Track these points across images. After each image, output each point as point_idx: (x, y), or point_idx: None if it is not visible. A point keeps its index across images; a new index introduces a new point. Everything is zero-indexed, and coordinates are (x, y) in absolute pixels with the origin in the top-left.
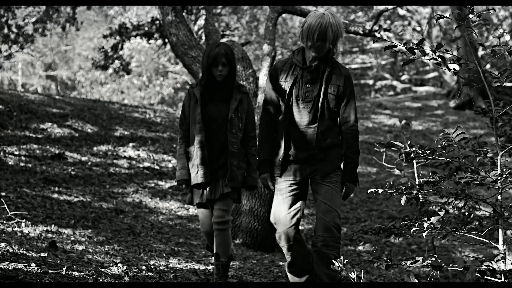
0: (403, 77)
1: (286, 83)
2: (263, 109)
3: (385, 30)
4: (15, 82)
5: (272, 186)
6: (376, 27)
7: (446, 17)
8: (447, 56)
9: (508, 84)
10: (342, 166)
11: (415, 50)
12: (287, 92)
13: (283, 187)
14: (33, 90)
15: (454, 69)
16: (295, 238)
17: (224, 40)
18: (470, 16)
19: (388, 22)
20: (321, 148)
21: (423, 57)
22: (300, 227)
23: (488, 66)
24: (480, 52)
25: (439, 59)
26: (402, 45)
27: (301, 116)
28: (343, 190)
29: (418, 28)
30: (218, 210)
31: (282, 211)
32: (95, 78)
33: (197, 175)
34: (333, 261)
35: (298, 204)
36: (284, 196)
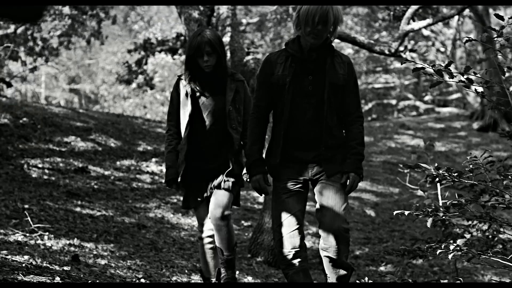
0: (426, 98)
1: (283, 77)
2: (254, 106)
3: (410, 50)
4: (39, 94)
5: (266, 188)
6: (401, 48)
7: (474, 40)
8: (474, 78)
9: None
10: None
11: (442, 72)
12: (287, 86)
13: (284, 186)
14: (56, 103)
15: (482, 92)
16: (301, 245)
17: (249, 57)
18: (498, 39)
19: (412, 42)
20: (329, 146)
21: (451, 80)
22: None
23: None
24: (506, 74)
25: (467, 82)
26: (431, 67)
27: (304, 111)
28: (348, 183)
29: (442, 49)
30: (216, 203)
31: (285, 211)
32: (118, 93)
33: (183, 174)
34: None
35: (302, 205)
36: (287, 195)
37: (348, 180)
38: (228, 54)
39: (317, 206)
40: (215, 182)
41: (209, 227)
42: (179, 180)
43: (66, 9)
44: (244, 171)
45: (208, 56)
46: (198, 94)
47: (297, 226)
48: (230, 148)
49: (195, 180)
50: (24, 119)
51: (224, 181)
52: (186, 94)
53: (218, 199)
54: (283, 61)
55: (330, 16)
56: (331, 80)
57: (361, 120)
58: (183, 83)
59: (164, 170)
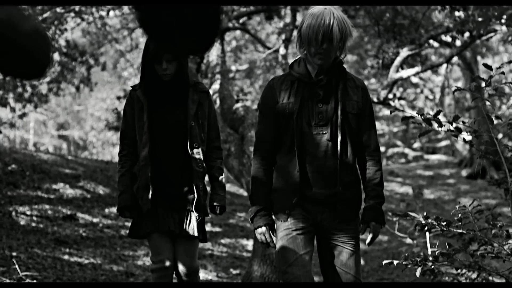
0: (415, 145)
1: (290, 105)
2: (256, 142)
3: (399, 98)
4: (27, 140)
5: (273, 241)
6: (390, 95)
7: (463, 89)
8: (463, 127)
9: None
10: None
11: (431, 121)
12: (295, 115)
13: (293, 226)
14: (45, 149)
15: (470, 141)
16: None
17: (238, 105)
18: (487, 88)
19: (401, 89)
20: (345, 184)
21: (440, 128)
22: None
23: (500, 135)
24: (495, 122)
25: (456, 131)
26: (420, 116)
27: (316, 144)
28: (369, 233)
29: (431, 96)
30: (184, 257)
31: (297, 249)
32: (107, 139)
33: (142, 201)
34: None
35: (311, 247)
36: (299, 232)
37: (369, 230)
38: (218, 102)
39: (324, 262)
40: (185, 226)
41: (168, 256)
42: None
43: (56, 56)
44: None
45: (168, 63)
46: (155, 106)
47: (309, 268)
48: (194, 171)
49: (156, 205)
50: (13, 166)
51: (189, 223)
52: (142, 108)
53: (188, 249)
54: (288, 87)
55: (336, 32)
56: (345, 108)
57: (379, 156)
58: (137, 94)
59: (118, 195)
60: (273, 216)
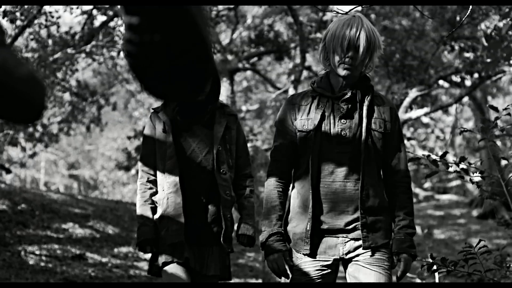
0: (426, 185)
1: (309, 121)
2: (271, 162)
3: (410, 139)
4: (38, 180)
5: (286, 270)
6: None
7: (470, 131)
8: (471, 168)
9: None
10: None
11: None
12: (313, 132)
13: (310, 270)
14: (55, 189)
15: (477, 182)
16: None
17: (248, 145)
18: (494, 129)
19: (412, 129)
20: (368, 209)
21: (447, 170)
22: None
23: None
24: (503, 162)
25: (462, 172)
26: (426, 158)
27: (337, 164)
28: (400, 267)
29: (442, 136)
30: None
31: None
32: (117, 179)
33: (167, 233)
34: None
35: None
36: (315, 275)
37: (400, 264)
38: None
39: None
40: (206, 263)
41: None
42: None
43: (67, 96)
44: (248, 231)
45: None
46: (179, 129)
47: None
48: (221, 200)
49: (179, 238)
50: (23, 205)
51: (211, 260)
52: (164, 129)
53: None
54: (309, 103)
55: (363, 40)
56: (370, 125)
57: (409, 182)
58: (160, 116)
59: (137, 228)
60: (287, 245)
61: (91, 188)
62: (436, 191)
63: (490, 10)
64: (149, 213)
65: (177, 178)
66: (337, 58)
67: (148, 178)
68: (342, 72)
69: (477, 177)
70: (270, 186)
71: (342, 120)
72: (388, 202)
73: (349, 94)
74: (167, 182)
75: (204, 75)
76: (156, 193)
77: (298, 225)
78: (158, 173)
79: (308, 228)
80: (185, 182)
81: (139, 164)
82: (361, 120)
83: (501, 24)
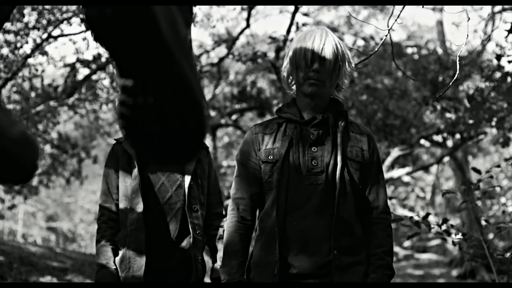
0: (406, 244)
1: (275, 150)
2: (232, 201)
3: (390, 198)
4: (15, 232)
5: None
6: None
7: (452, 192)
8: (452, 230)
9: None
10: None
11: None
12: (279, 163)
13: None
14: (33, 241)
15: (459, 244)
16: None
17: (228, 201)
18: (476, 191)
19: (392, 187)
20: (342, 249)
21: (429, 231)
22: None
23: (491, 235)
24: (483, 222)
25: (444, 233)
26: (408, 219)
27: (307, 197)
28: None
29: (422, 195)
30: None
31: None
32: (95, 232)
33: (128, 274)
34: None
35: None
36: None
37: None
38: None
39: None
40: None
41: None
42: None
43: (48, 148)
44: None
45: None
46: (145, 161)
47: None
48: (192, 239)
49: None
50: (0, 257)
51: None
52: (128, 163)
53: None
54: (274, 130)
55: (328, 50)
56: (346, 153)
57: (389, 219)
58: (124, 147)
59: (96, 270)
60: None
61: (69, 240)
62: (416, 250)
63: (472, 71)
64: (110, 255)
65: (141, 214)
66: (301, 74)
67: (109, 217)
68: (308, 89)
69: (458, 239)
70: (230, 229)
71: (313, 148)
72: (365, 242)
73: (319, 117)
74: (129, 219)
75: (198, 137)
76: (118, 232)
77: (263, 271)
78: (121, 211)
79: (275, 272)
80: (150, 219)
81: (100, 201)
82: (335, 148)
83: (483, 85)
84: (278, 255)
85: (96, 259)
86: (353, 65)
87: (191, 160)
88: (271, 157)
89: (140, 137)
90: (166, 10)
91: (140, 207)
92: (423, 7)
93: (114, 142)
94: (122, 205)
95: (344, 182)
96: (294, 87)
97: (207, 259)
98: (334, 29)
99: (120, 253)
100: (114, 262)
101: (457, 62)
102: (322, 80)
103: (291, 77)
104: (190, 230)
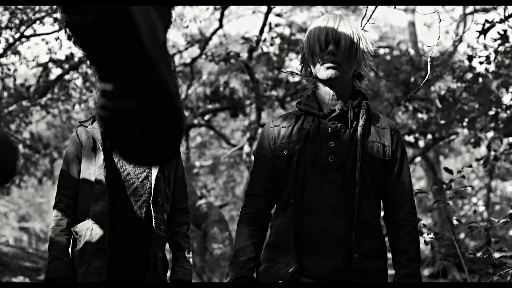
0: None
1: (291, 145)
2: (246, 197)
3: None
4: None
5: None
6: None
7: (425, 192)
8: (424, 229)
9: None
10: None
11: None
12: (295, 158)
13: None
14: (5, 241)
15: (432, 244)
16: None
17: (201, 201)
18: (448, 191)
19: None
20: (363, 252)
21: None
22: None
23: (462, 235)
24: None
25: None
26: (382, 219)
27: (323, 196)
28: None
29: None
30: None
31: None
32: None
33: (88, 270)
34: None
35: None
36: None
37: None
38: None
39: None
40: None
41: None
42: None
43: (20, 148)
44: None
45: None
46: (111, 148)
47: None
48: (154, 234)
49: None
50: None
51: None
52: (93, 149)
53: None
54: (292, 124)
55: (343, 30)
56: (366, 149)
57: (415, 221)
58: (89, 130)
59: (48, 262)
60: None
61: (41, 241)
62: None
63: (444, 72)
64: (64, 246)
65: (105, 207)
66: (316, 60)
67: (67, 204)
68: (325, 73)
69: (430, 238)
70: (242, 225)
71: (330, 143)
72: (385, 247)
73: (338, 110)
74: (92, 210)
75: (176, 140)
76: (75, 221)
77: (271, 272)
78: (81, 199)
79: (290, 271)
80: (114, 212)
81: (57, 185)
82: (355, 143)
83: (454, 86)
84: (296, 257)
85: (49, 248)
86: (372, 50)
87: (169, 162)
88: (286, 151)
89: (120, 139)
90: (146, 15)
91: (105, 199)
92: (395, 7)
93: (78, 125)
94: (83, 193)
95: (365, 181)
96: (312, 77)
97: (168, 257)
98: (306, 30)
99: (79, 245)
100: (69, 254)
101: (429, 63)
102: (339, 63)
103: (309, 68)
104: (154, 225)
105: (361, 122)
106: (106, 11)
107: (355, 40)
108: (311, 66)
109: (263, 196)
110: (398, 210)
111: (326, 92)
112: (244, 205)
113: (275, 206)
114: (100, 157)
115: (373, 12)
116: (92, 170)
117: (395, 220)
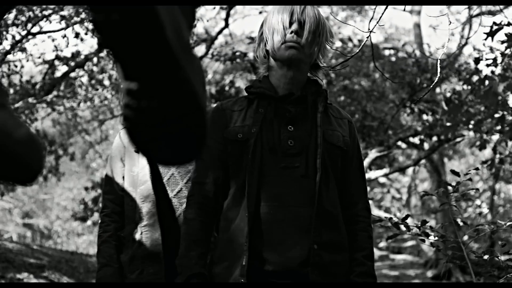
0: (381, 244)
1: (245, 128)
2: (192, 186)
3: None
4: None
5: None
6: None
7: (431, 195)
8: (430, 231)
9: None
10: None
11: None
12: (251, 141)
13: None
14: (9, 237)
15: (438, 246)
16: None
17: None
18: (453, 194)
19: (368, 188)
20: (324, 244)
21: (408, 233)
22: None
23: (466, 237)
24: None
25: (423, 235)
26: (388, 220)
27: (283, 183)
28: None
29: (398, 196)
30: None
31: None
32: (72, 229)
33: (141, 276)
34: None
35: None
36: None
37: None
38: None
39: None
40: None
41: None
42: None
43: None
44: None
45: None
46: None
47: None
48: None
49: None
50: None
51: None
52: (137, 150)
53: None
54: (245, 107)
55: (310, 12)
56: (327, 137)
57: (370, 218)
58: None
59: (98, 269)
60: None
61: (45, 237)
62: (391, 251)
63: (450, 74)
64: (113, 252)
65: (154, 208)
66: (277, 38)
67: (113, 209)
68: (285, 52)
69: (436, 240)
70: (190, 215)
71: (288, 127)
72: (346, 239)
73: (298, 93)
74: (140, 213)
75: (200, 141)
76: (122, 227)
77: (230, 265)
78: (126, 202)
79: (244, 264)
80: (161, 213)
81: (102, 191)
82: (315, 129)
83: (460, 88)
84: (248, 244)
85: (97, 256)
86: (333, 41)
87: (191, 163)
88: (241, 135)
89: (144, 139)
90: (171, 15)
91: (151, 200)
92: (404, 9)
93: (121, 128)
94: (128, 196)
95: (326, 168)
96: (267, 58)
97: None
98: None
99: (128, 250)
100: (118, 259)
101: (438, 65)
102: (301, 44)
103: (266, 48)
104: None
105: (320, 109)
106: (132, 10)
107: (320, 25)
108: (270, 44)
109: (212, 184)
110: (353, 205)
111: (282, 75)
112: (191, 193)
113: (227, 198)
114: (144, 158)
115: (382, 14)
116: (136, 171)
117: (349, 215)
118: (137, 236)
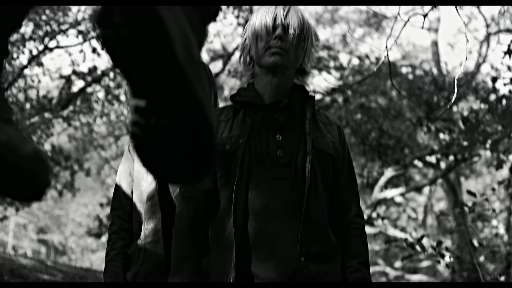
0: (397, 264)
1: (233, 139)
2: (183, 200)
3: (383, 218)
4: (5, 243)
5: None
6: (374, 215)
7: (447, 214)
8: (445, 252)
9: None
10: None
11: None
12: (239, 152)
13: None
14: (23, 253)
15: (453, 267)
16: None
17: None
18: (469, 214)
19: (384, 207)
20: (310, 255)
21: (423, 253)
22: None
23: (482, 258)
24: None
25: (438, 256)
26: (403, 241)
27: (273, 195)
28: None
29: (413, 215)
30: None
31: None
32: (86, 245)
33: None
34: None
35: None
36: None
37: None
38: None
39: None
40: None
41: None
42: None
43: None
44: None
45: None
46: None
47: None
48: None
49: None
50: None
51: None
52: None
53: None
54: (231, 117)
55: (294, 17)
56: (316, 144)
57: (363, 224)
58: None
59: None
60: None
61: (59, 253)
62: (407, 271)
63: (467, 93)
64: (118, 270)
65: (159, 225)
66: (261, 44)
67: (120, 225)
68: (269, 59)
69: (452, 261)
70: (179, 232)
71: (277, 136)
72: (339, 249)
73: (285, 101)
74: (145, 230)
75: (208, 158)
76: (130, 243)
77: (218, 281)
78: (134, 218)
79: (231, 281)
80: (165, 231)
81: (111, 207)
82: (304, 136)
83: (477, 107)
84: (235, 260)
85: (104, 274)
86: (317, 45)
87: (201, 181)
88: (228, 146)
89: (152, 157)
90: (181, 31)
91: (157, 217)
92: (422, 27)
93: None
94: (135, 212)
95: (315, 177)
96: (252, 65)
97: None
98: (329, 47)
99: (132, 267)
100: (124, 278)
101: (455, 84)
102: (285, 50)
103: (249, 55)
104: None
105: (308, 115)
106: (141, 27)
107: (305, 29)
108: (254, 52)
109: (201, 198)
110: (345, 213)
111: (267, 81)
112: (180, 209)
113: (218, 209)
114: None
115: (400, 32)
116: (144, 186)
117: (343, 222)
118: (141, 253)
